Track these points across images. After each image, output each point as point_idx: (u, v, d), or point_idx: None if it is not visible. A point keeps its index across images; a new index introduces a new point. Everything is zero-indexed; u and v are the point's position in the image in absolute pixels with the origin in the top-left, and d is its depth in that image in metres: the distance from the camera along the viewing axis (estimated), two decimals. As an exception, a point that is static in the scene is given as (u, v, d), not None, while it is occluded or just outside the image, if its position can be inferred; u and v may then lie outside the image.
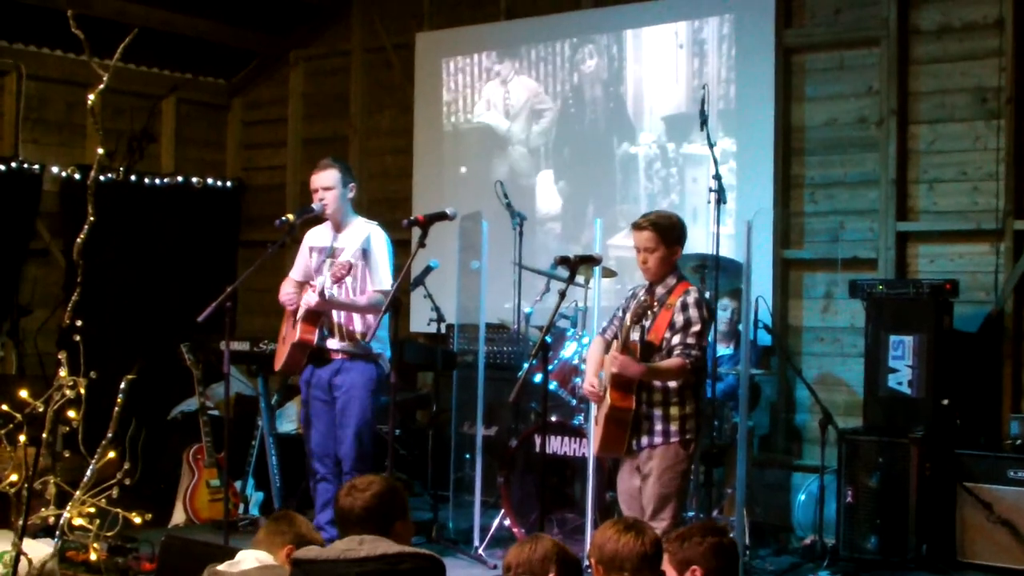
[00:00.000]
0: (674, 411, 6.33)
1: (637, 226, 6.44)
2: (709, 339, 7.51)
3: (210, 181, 12.02)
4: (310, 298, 7.45)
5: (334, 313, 7.60)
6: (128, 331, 10.77)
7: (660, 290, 6.38)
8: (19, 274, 10.57)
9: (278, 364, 7.83)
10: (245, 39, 12.03)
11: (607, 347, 6.64)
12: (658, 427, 6.32)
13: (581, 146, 10.32)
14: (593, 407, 6.68)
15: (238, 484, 9.07)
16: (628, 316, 6.20)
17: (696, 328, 6.27)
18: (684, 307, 6.31)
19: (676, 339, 6.28)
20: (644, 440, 6.34)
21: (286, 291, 7.76)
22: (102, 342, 9.25)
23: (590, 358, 6.74)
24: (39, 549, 5.16)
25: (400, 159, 11.43)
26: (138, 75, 11.51)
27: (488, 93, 10.86)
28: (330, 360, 7.64)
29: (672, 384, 6.32)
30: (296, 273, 7.91)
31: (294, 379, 9.52)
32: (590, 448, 7.17)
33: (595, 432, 6.61)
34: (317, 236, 7.89)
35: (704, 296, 6.55)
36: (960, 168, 8.68)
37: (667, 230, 6.40)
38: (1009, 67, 8.44)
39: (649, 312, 6.22)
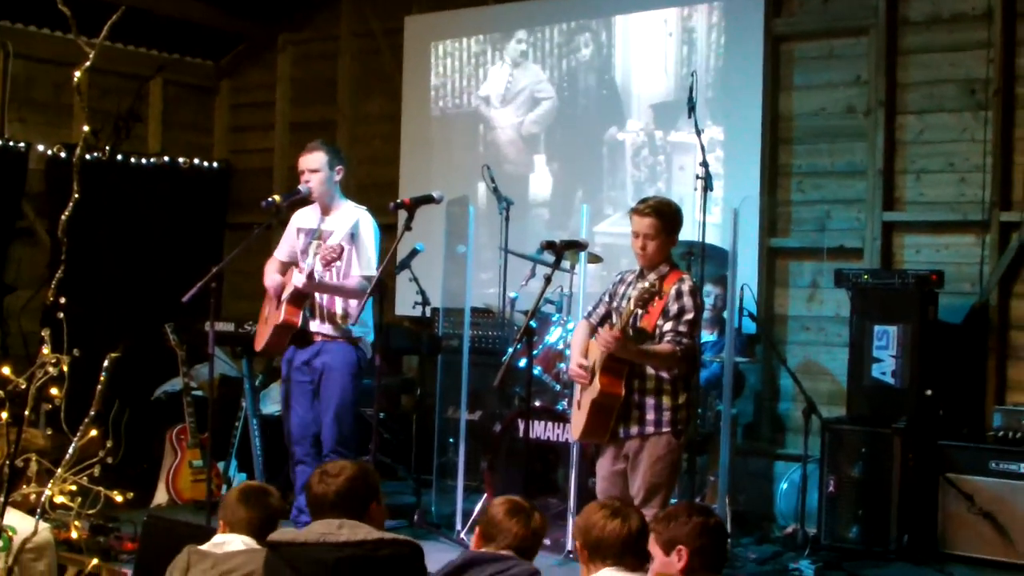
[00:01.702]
0: (666, 401, 6.32)
1: (639, 211, 6.39)
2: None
3: (197, 162, 11.97)
4: (297, 279, 7.43)
5: (317, 295, 7.59)
6: (113, 311, 10.73)
7: (652, 276, 6.31)
8: (4, 254, 10.53)
9: (259, 344, 7.82)
10: (234, 22, 11.99)
11: (592, 332, 6.64)
12: (650, 416, 6.32)
13: (570, 132, 10.32)
14: (577, 391, 6.66)
15: (221, 465, 9.07)
16: (632, 299, 6.14)
17: (689, 316, 6.27)
18: (679, 295, 6.29)
19: (668, 326, 6.26)
20: (634, 429, 6.33)
21: (272, 277, 7.76)
22: (86, 321, 9.21)
23: (575, 342, 6.72)
24: (29, 524, 5.15)
25: (389, 145, 11.40)
26: (126, 55, 11.47)
27: (475, 78, 10.84)
28: (312, 342, 7.63)
29: (665, 374, 6.31)
30: (281, 253, 7.91)
31: (278, 361, 9.53)
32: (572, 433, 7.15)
33: (576, 416, 6.60)
34: (304, 217, 7.88)
35: (697, 286, 6.54)
36: (947, 159, 8.69)
37: (669, 218, 6.39)
38: (997, 58, 8.45)
39: (657, 298, 6.17)
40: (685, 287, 6.31)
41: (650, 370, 6.31)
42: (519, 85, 10.60)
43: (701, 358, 7.83)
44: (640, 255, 6.42)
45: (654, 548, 4.56)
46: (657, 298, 6.17)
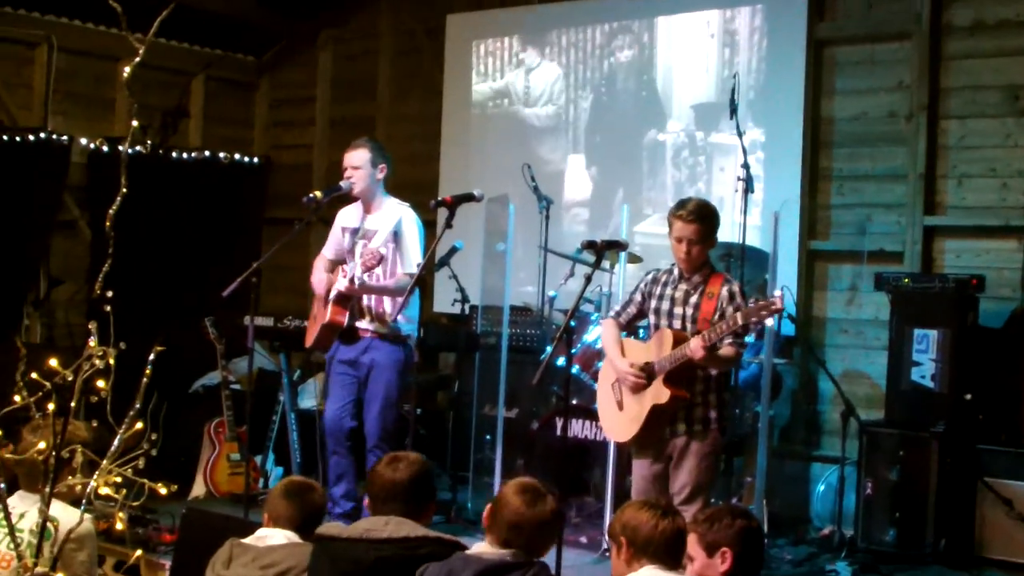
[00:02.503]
0: (712, 398, 6.39)
1: (681, 217, 6.36)
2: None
3: (237, 157, 12.03)
4: (341, 284, 7.53)
5: (364, 296, 7.64)
6: (153, 304, 10.79)
7: (696, 278, 6.41)
8: (47, 246, 10.60)
9: (308, 341, 7.89)
10: (276, 19, 12.05)
11: (622, 330, 6.71)
12: (699, 414, 6.37)
13: (611, 132, 10.33)
14: (615, 391, 6.61)
15: (258, 459, 9.12)
16: (741, 315, 5.99)
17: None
18: (731, 296, 6.32)
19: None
20: (680, 427, 6.37)
21: (319, 276, 7.82)
22: (127, 315, 9.29)
23: (608, 343, 6.68)
24: (70, 514, 5.19)
25: (427, 144, 11.41)
26: (167, 50, 11.50)
27: (516, 77, 10.86)
28: (359, 338, 7.68)
29: (713, 372, 6.38)
30: (328, 251, 7.97)
31: (316, 356, 9.57)
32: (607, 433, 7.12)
33: (616, 418, 6.58)
34: (348, 216, 7.92)
35: (743, 286, 6.55)
36: (989, 164, 8.65)
37: (711, 222, 6.42)
38: (1041, 65, 8.43)
39: (737, 313, 6.07)
40: (736, 289, 6.36)
41: (699, 372, 6.37)
42: (557, 84, 10.61)
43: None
44: (684, 259, 6.42)
45: (695, 549, 4.57)
46: (707, 298, 6.18)
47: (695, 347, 6.14)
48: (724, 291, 6.28)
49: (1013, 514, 7.70)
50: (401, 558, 4.54)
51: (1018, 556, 7.69)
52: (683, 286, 6.43)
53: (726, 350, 6.26)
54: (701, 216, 6.36)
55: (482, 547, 4.47)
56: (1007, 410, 8.35)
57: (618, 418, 6.57)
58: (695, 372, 6.33)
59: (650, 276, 6.71)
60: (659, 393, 6.27)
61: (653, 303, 6.56)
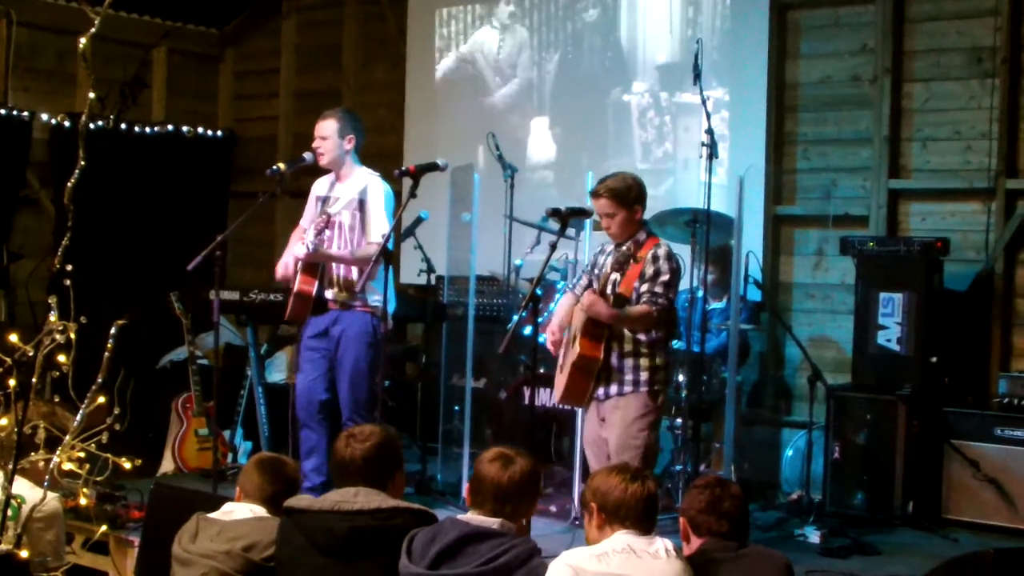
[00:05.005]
0: (644, 362, 6.47)
1: (593, 194, 6.57)
2: (699, 294, 7.60)
3: (201, 131, 11.97)
4: (299, 250, 7.48)
5: (333, 264, 7.61)
6: (118, 280, 10.74)
7: (629, 244, 6.50)
8: (8, 223, 10.53)
9: (286, 315, 7.86)
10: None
11: (576, 302, 6.75)
12: (627, 376, 6.47)
13: (575, 94, 10.30)
14: (560, 355, 6.75)
15: (227, 433, 9.07)
16: (608, 264, 6.24)
17: (664, 278, 6.41)
18: (654, 259, 6.44)
19: (644, 287, 6.41)
20: (613, 388, 6.48)
21: (282, 263, 7.77)
22: (92, 290, 9.24)
23: (557, 311, 6.89)
24: (37, 494, 5.17)
25: (393, 113, 11.38)
26: (129, 23, 11.44)
27: (480, 42, 10.81)
28: (328, 310, 7.65)
29: (642, 336, 6.45)
30: (305, 221, 7.93)
31: (283, 329, 9.52)
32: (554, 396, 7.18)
33: (558, 379, 6.72)
34: (320, 186, 7.90)
35: (673, 251, 6.58)
36: (953, 127, 8.67)
37: (623, 194, 6.52)
38: (1004, 27, 8.42)
39: (631, 261, 6.28)
40: (661, 251, 6.47)
41: (628, 333, 6.44)
42: (521, 49, 10.57)
43: (704, 323, 7.87)
44: (609, 234, 6.63)
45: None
46: (632, 262, 6.32)
47: (583, 300, 6.35)
48: (649, 253, 6.41)
49: (980, 475, 7.74)
50: (374, 529, 4.55)
51: (984, 517, 7.73)
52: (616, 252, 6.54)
53: (637, 308, 6.38)
54: (609, 189, 6.53)
55: (470, 515, 4.53)
56: (973, 372, 8.40)
57: (559, 378, 6.70)
58: (617, 332, 6.44)
59: (599, 247, 6.91)
60: (574, 351, 6.41)
61: (595, 271, 6.72)
